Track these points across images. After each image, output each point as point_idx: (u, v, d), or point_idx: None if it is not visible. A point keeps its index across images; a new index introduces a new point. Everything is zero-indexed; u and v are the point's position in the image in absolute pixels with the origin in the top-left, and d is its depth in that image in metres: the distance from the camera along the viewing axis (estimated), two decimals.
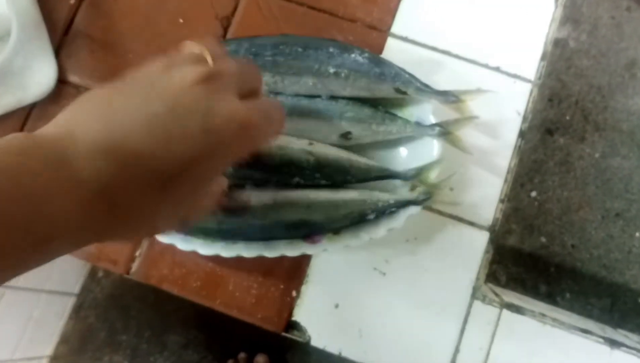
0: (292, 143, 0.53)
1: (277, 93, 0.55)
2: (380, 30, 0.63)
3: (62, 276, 1.39)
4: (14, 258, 0.27)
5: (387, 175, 0.55)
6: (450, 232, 0.59)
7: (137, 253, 0.59)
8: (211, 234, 0.52)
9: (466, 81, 0.61)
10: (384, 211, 0.54)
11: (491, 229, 0.59)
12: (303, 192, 0.53)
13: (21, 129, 0.62)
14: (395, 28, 0.63)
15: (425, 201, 0.54)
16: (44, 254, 0.29)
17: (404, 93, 0.55)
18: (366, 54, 0.56)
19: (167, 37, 0.63)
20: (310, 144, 0.53)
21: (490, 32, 0.63)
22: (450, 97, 0.56)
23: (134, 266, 0.59)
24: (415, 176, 0.55)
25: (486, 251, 0.58)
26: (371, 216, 0.54)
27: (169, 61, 0.34)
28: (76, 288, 1.47)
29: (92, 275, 1.48)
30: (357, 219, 0.54)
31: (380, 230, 0.54)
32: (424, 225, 0.58)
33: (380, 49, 0.62)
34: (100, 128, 0.30)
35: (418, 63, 0.60)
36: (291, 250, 0.53)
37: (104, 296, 1.48)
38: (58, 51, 0.63)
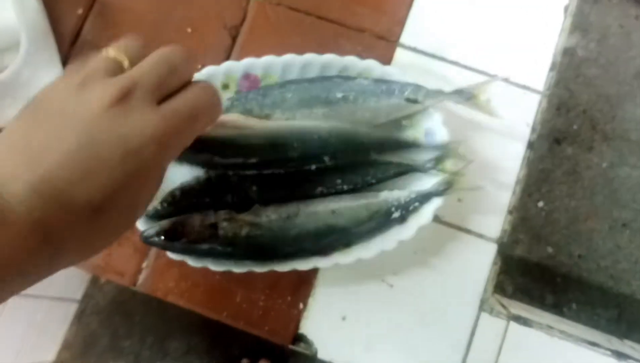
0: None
1: None
2: (389, 40, 0.63)
3: (65, 282, 1.39)
4: None
5: (406, 170, 0.56)
6: (458, 244, 0.58)
7: (144, 265, 0.58)
8: (241, 252, 0.53)
9: None
10: (408, 207, 0.54)
11: (499, 241, 0.58)
12: (326, 199, 0.54)
13: None
14: (404, 38, 0.63)
15: (447, 190, 0.54)
16: None
17: (415, 101, 0.55)
18: (370, 78, 0.56)
19: None
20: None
21: (499, 43, 0.63)
22: (464, 94, 0.56)
23: (141, 278, 0.58)
24: (434, 166, 0.55)
25: (494, 263, 0.58)
26: (396, 214, 0.54)
27: (82, 75, 0.34)
28: (79, 294, 1.47)
29: (94, 281, 1.48)
30: (383, 219, 0.54)
31: (390, 242, 0.53)
32: (432, 237, 0.57)
33: (389, 59, 0.62)
34: (23, 170, 0.30)
35: (427, 74, 0.60)
36: (303, 264, 0.53)
37: (107, 302, 1.48)
38: (65, 62, 0.62)
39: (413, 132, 0.57)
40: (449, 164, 0.55)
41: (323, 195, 0.54)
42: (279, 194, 0.54)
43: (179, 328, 1.45)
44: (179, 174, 0.55)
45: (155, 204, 0.53)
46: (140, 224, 0.53)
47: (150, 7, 0.64)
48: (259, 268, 0.53)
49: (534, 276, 0.60)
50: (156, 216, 0.53)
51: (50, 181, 0.30)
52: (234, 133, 0.53)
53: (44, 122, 0.32)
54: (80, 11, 0.64)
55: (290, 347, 0.57)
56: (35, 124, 0.32)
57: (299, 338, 0.57)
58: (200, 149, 0.50)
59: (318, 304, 0.57)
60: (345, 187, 0.54)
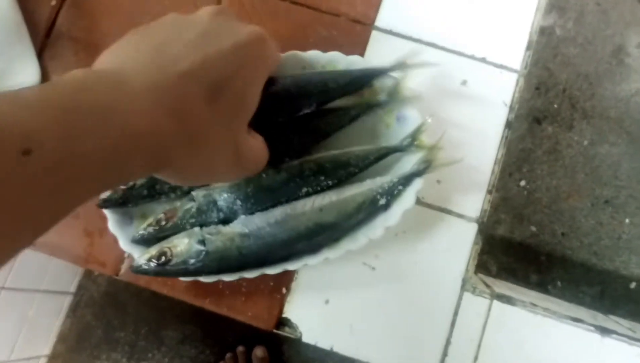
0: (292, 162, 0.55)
1: None
2: (365, 24, 0.62)
3: (58, 275, 1.40)
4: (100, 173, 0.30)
5: (385, 153, 0.56)
6: (439, 225, 0.59)
7: (126, 254, 0.59)
8: (232, 263, 0.53)
9: (452, 73, 0.61)
10: (393, 192, 0.54)
11: (479, 220, 0.59)
12: (312, 198, 0.54)
13: None
14: (380, 21, 0.63)
15: (427, 168, 0.55)
16: (125, 170, 0.31)
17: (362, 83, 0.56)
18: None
19: None
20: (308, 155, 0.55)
21: (475, 23, 0.63)
22: (400, 65, 0.56)
23: (123, 267, 0.59)
24: (412, 143, 0.55)
25: (475, 243, 0.59)
26: (382, 201, 0.54)
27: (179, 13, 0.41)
28: (72, 287, 1.48)
29: (87, 273, 1.48)
30: (369, 209, 0.54)
31: (377, 230, 0.54)
32: (413, 219, 0.57)
33: (365, 43, 0.62)
34: (147, 58, 0.34)
35: (403, 56, 0.60)
36: (293, 264, 0.54)
37: (100, 294, 1.48)
38: (41, 53, 0.62)
39: (385, 119, 0.57)
40: (426, 140, 0.55)
41: (308, 194, 0.54)
42: (264, 202, 0.54)
43: (173, 318, 1.46)
44: (165, 206, 0.56)
45: (141, 230, 0.54)
46: (126, 247, 0.54)
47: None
48: (250, 274, 0.53)
49: (518, 256, 0.60)
50: (142, 240, 0.54)
51: (175, 67, 0.34)
52: None
53: (160, 30, 0.38)
54: (53, 2, 0.63)
55: (275, 331, 0.58)
56: (154, 29, 0.38)
57: (283, 322, 0.58)
58: None
59: (301, 288, 0.58)
60: (329, 183, 0.54)
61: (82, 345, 1.46)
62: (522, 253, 0.60)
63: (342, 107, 0.56)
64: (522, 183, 0.60)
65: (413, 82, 0.55)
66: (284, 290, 0.58)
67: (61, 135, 0.27)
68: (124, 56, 0.35)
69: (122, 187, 0.54)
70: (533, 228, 0.60)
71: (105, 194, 0.54)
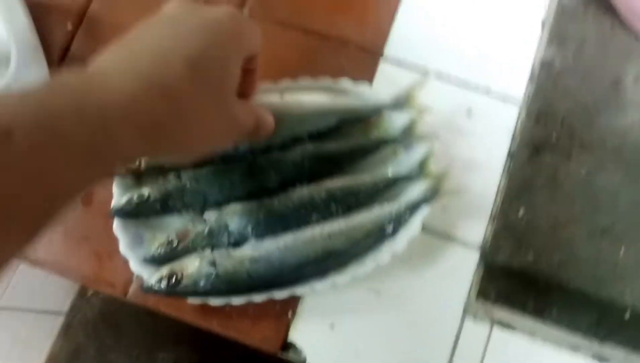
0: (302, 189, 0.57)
1: None
2: (373, 52, 0.64)
3: (51, 295, 1.39)
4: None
5: (393, 182, 0.58)
6: (443, 251, 0.60)
7: (135, 276, 0.59)
8: (242, 286, 0.54)
9: (456, 102, 0.63)
10: (400, 219, 0.56)
11: (481, 248, 0.60)
12: (322, 225, 0.55)
13: None
14: (388, 50, 0.64)
15: (434, 196, 0.56)
16: (113, 150, 0.33)
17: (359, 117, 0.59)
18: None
19: None
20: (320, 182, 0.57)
21: (480, 54, 0.65)
22: (400, 98, 0.58)
23: (132, 289, 0.59)
24: (419, 171, 0.57)
25: (477, 270, 0.60)
26: (389, 229, 0.55)
27: None
28: (65, 307, 1.46)
29: (81, 293, 1.47)
30: (377, 236, 0.55)
31: (384, 256, 0.55)
32: (417, 245, 0.58)
33: (373, 71, 0.64)
34: (120, 56, 0.38)
35: (409, 88, 0.61)
36: (301, 289, 0.55)
37: (94, 314, 1.47)
38: None
39: (392, 147, 0.59)
40: (433, 168, 0.57)
41: (318, 221, 0.56)
42: (274, 227, 0.55)
43: (167, 340, 1.45)
44: (176, 223, 0.57)
45: (152, 250, 0.55)
46: (137, 267, 0.55)
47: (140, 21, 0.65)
48: (259, 298, 0.55)
49: (516, 282, 0.61)
50: (152, 261, 0.55)
51: (148, 50, 0.37)
52: (213, 176, 0.57)
53: (134, 33, 0.40)
54: (69, 27, 0.65)
55: (279, 355, 0.58)
56: (127, 39, 0.39)
57: (288, 346, 0.58)
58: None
59: (306, 312, 0.58)
60: (339, 210, 0.56)
61: None
62: (520, 280, 0.61)
63: (356, 142, 0.58)
64: (521, 211, 0.62)
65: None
66: (290, 314, 0.58)
67: (38, 118, 0.29)
68: (100, 62, 0.37)
69: (135, 200, 0.55)
70: (531, 256, 0.61)
71: (117, 204, 0.55)
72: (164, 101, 0.36)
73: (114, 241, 0.57)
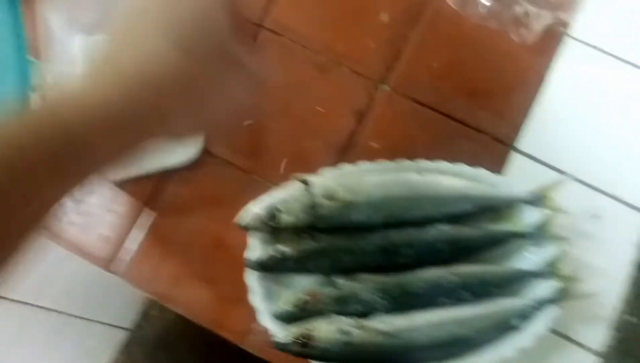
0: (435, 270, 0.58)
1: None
2: (506, 144, 0.66)
3: (118, 308, 1.42)
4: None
5: (523, 276, 0.59)
6: (559, 351, 0.60)
7: (253, 326, 0.61)
8: (370, 359, 0.56)
9: (584, 205, 0.64)
10: (527, 315, 0.56)
11: (602, 355, 0.60)
12: (452, 310, 0.57)
13: (161, 190, 0.66)
14: (520, 144, 0.66)
15: (564, 297, 0.57)
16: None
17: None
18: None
19: (303, 123, 0.67)
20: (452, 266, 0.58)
21: (612, 160, 0.65)
22: (536, 196, 0.60)
23: (251, 338, 0.61)
24: (550, 271, 0.58)
25: None
26: (515, 323, 0.56)
27: None
28: (129, 323, 1.50)
29: (146, 312, 1.50)
30: (503, 328, 0.56)
31: (508, 350, 0.56)
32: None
33: (504, 162, 0.66)
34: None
35: (539, 181, 0.63)
36: None
37: (155, 335, 1.50)
38: None
39: (521, 242, 0.60)
40: (563, 269, 0.58)
41: (445, 305, 0.57)
42: (403, 303, 0.57)
43: None
44: (305, 282, 0.59)
45: (285, 307, 0.57)
46: (270, 325, 0.57)
47: (287, 80, 0.69)
48: None
49: None
50: (284, 318, 0.57)
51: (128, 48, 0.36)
52: (347, 243, 0.58)
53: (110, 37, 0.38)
54: None
55: None
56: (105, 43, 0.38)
57: None
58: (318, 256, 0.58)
59: None
60: (469, 297, 0.57)
61: None
62: None
63: (491, 232, 0.59)
64: (634, 320, 0.62)
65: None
66: None
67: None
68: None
69: (277, 256, 0.57)
70: None
71: (258, 257, 0.57)
72: (148, 90, 0.35)
73: (237, 288, 0.60)
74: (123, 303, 1.44)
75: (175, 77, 0.36)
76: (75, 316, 1.24)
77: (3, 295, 0.97)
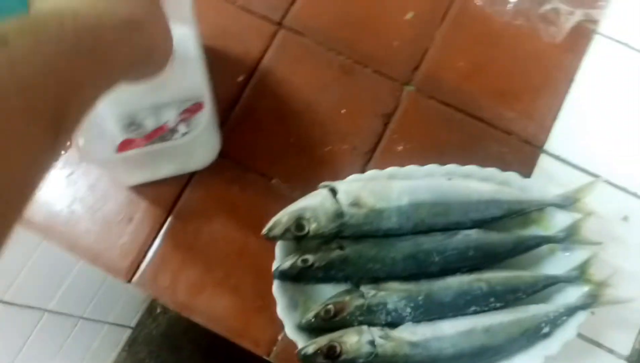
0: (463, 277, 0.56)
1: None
2: (534, 145, 0.65)
3: (123, 308, 1.40)
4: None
5: (552, 282, 0.57)
6: (588, 357, 0.59)
7: (279, 338, 0.60)
8: None
9: (616, 208, 0.63)
10: (556, 322, 0.55)
11: (630, 359, 0.59)
12: (480, 318, 0.55)
13: (179, 195, 0.64)
14: (549, 146, 0.65)
15: (595, 302, 0.56)
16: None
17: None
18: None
19: (326, 126, 0.65)
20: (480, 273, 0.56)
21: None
22: (568, 199, 0.59)
23: (275, 349, 0.60)
24: (580, 276, 0.57)
25: None
26: (546, 330, 0.55)
27: None
28: (133, 322, 1.48)
29: (150, 310, 1.49)
30: (532, 335, 0.55)
31: (537, 358, 0.55)
32: (563, 347, 0.58)
33: (532, 164, 0.64)
34: None
35: (569, 184, 0.61)
36: None
37: (159, 333, 1.48)
38: (222, 125, 0.65)
39: (551, 246, 0.59)
40: (593, 274, 0.57)
41: (475, 313, 0.56)
42: (432, 312, 0.55)
43: None
44: (331, 292, 0.57)
45: (311, 317, 0.55)
46: (296, 336, 0.55)
47: (309, 81, 0.67)
48: None
49: None
50: (308, 328, 0.55)
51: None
52: (375, 251, 0.56)
53: None
54: (240, 78, 0.67)
55: None
56: None
57: None
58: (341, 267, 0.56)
59: None
60: (498, 305, 0.56)
61: None
62: None
63: (520, 237, 0.58)
64: None
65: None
66: None
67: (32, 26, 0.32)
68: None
69: (300, 264, 0.55)
70: None
71: (282, 267, 0.55)
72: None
73: (263, 298, 0.58)
74: (127, 302, 1.42)
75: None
76: (81, 317, 1.22)
77: (11, 301, 0.95)
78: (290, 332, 0.56)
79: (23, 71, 0.30)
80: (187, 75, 0.57)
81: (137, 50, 0.42)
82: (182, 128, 0.64)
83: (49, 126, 0.31)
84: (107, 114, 0.63)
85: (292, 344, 0.58)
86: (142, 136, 0.63)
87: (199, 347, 1.47)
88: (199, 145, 0.62)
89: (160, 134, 0.63)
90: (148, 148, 0.59)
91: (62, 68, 0.32)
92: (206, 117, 0.56)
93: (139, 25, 0.41)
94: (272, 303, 0.56)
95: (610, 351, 0.59)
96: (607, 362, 0.59)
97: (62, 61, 0.32)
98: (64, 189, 0.64)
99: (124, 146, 0.62)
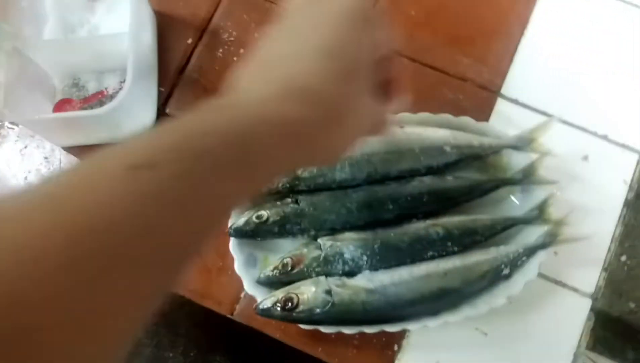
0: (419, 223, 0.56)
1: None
2: (490, 90, 0.64)
3: None
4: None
5: (511, 224, 0.57)
6: (553, 297, 0.59)
7: (242, 295, 0.60)
8: (355, 317, 0.54)
9: (573, 146, 0.62)
10: (516, 263, 0.55)
11: (593, 296, 0.59)
12: (437, 262, 0.55)
13: None
14: (505, 90, 0.64)
15: (553, 241, 0.56)
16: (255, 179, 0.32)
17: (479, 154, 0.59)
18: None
19: None
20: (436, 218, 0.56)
21: (599, 101, 0.63)
22: (523, 139, 0.59)
23: (238, 307, 0.60)
24: (539, 216, 0.57)
25: (588, 319, 0.58)
26: (506, 271, 0.55)
27: None
28: None
29: None
30: (492, 277, 0.55)
31: (499, 299, 0.55)
32: (527, 288, 0.58)
33: (490, 109, 0.63)
34: (260, 75, 0.35)
35: (525, 126, 0.61)
36: (413, 324, 0.54)
37: (155, 312, 1.49)
38: (171, 92, 0.65)
39: (509, 188, 0.59)
40: (552, 214, 0.56)
41: (433, 258, 0.56)
42: (389, 259, 0.55)
43: (223, 344, 1.46)
44: (289, 246, 0.58)
45: (266, 272, 0.55)
46: (250, 288, 0.56)
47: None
48: (370, 330, 0.54)
49: (615, 331, 0.60)
50: (267, 283, 0.56)
51: (282, 59, 0.35)
52: (330, 203, 0.57)
53: (263, 42, 0.36)
54: (190, 40, 0.66)
55: None
56: (258, 50, 0.36)
57: None
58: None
59: (412, 347, 0.58)
60: (455, 249, 0.56)
61: (130, 361, 1.46)
62: (619, 329, 0.60)
63: (476, 181, 0.58)
64: (623, 257, 0.60)
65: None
66: (395, 347, 0.58)
67: (179, 147, 0.27)
68: (236, 83, 0.35)
69: (255, 220, 0.55)
70: (632, 304, 0.60)
71: (236, 224, 0.56)
72: (305, 104, 0.33)
73: (223, 258, 0.58)
74: None
75: (336, 93, 0.35)
76: None
77: None
78: (249, 287, 0.56)
79: (161, 207, 0.25)
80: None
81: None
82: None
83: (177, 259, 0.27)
84: (53, 71, 0.62)
85: (255, 301, 0.59)
86: (81, 98, 0.62)
87: (196, 323, 1.47)
88: (133, 116, 0.60)
89: (100, 98, 0.62)
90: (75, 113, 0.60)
91: (206, 195, 0.28)
92: (125, 89, 0.55)
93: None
94: (232, 262, 0.57)
95: (575, 290, 0.59)
96: (572, 301, 0.59)
97: (207, 187, 0.28)
98: (18, 164, 0.64)
99: (61, 106, 0.62)
